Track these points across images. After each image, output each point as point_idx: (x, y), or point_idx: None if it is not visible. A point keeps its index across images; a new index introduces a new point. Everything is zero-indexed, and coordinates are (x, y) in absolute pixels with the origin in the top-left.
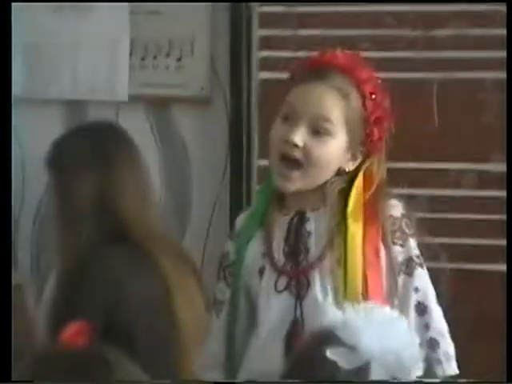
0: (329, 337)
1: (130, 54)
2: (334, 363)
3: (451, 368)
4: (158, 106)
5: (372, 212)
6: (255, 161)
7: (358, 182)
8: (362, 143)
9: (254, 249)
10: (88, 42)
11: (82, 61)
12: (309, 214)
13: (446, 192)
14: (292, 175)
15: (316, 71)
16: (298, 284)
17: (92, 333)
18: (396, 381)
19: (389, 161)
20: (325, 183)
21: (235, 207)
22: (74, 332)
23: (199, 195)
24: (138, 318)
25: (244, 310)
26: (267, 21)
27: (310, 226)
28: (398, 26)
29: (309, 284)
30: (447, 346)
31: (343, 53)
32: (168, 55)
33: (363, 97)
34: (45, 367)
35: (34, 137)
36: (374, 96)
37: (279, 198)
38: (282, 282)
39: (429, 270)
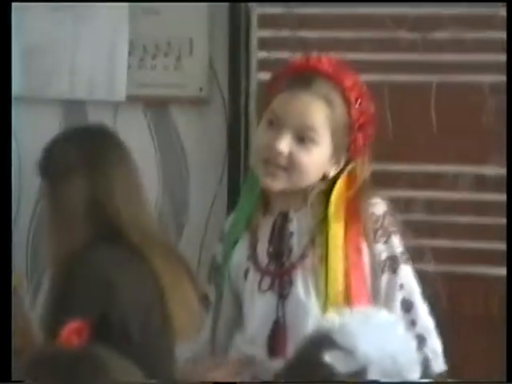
0: (326, 340)
1: (129, 54)
2: (331, 367)
3: (438, 365)
4: (157, 107)
5: (354, 211)
6: None
7: (340, 183)
8: (346, 149)
9: (240, 251)
10: (87, 42)
11: (81, 61)
12: (292, 215)
13: (443, 195)
14: (277, 173)
15: (300, 78)
16: (280, 284)
17: (90, 332)
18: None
19: (386, 163)
20: (308, 187)
21: (233, 208)
22: (71, 331)
23: (197, 195)
24: (132, 318)
25: (230, 311)
26: (266, 22)
27: (293, 225)
28: (396, 28)
29: (291, 283)
30: (434, 343)
31: (327, 58)
32: (166, 55)
33: (348, 104)
34: (38, 368)
35: (32, 136)
36: (358, 102)
37: (264, 201)
38: (266, 282)
39: (425, 272)
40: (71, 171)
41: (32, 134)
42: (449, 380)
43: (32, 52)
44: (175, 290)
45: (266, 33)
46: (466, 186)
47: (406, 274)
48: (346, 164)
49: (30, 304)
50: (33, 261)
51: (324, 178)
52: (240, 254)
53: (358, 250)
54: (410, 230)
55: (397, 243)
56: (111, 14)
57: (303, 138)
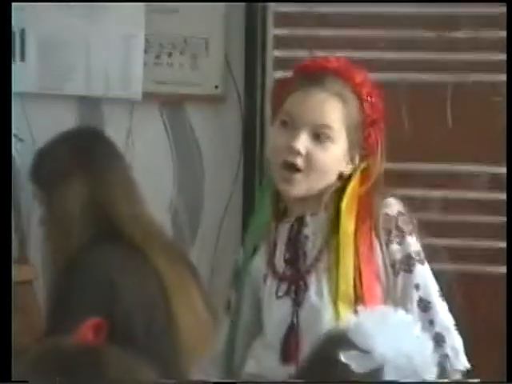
0: (342, 340)
1: (145, 52)
2: (347, 366)
3: (460, 362)
4: (172, 104)
5: (366, 208)
6: None
7: (354, 182)
8: (360, 146)
9: (259, 257)
10: (103, 39)
11: (97, 58)
12: (308, 219)
13: (458, 194)
14: (294, 178)
15: (311, 77)
16: (296, 290)
17: (107, 330)
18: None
19: (401, 162)
20: (324, 189)
21: (248, 206)
22: (88, 328)
23: (212, 194)
24: (136, 318)
25: (249, 316)
26: (282, 20)
27: (308, 229)
28: (412, 27)
29: (306, 289)
30: (454, 341)
31: (335, 57)
32: (183, 53)
33: (360, 99)
34: (37, 365)
35: (48, 133)
36: (370, 98)
37: (281, 205)
38: (283, 288)
39: (439, 271)
40: (67, 174)
41: (48, 130)
42: (449, 380)
43: (48, 49)
44: (179, 289)
45: (282, 31)
46: (481, 186)
47: (423, 273)
48: (360, 163)
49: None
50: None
51: (340, 177)
52: (259, 259)
53: (370, 246)
54: (425, 229)
55: (412, 243)
56: (127, 12)
57: (319, 136)
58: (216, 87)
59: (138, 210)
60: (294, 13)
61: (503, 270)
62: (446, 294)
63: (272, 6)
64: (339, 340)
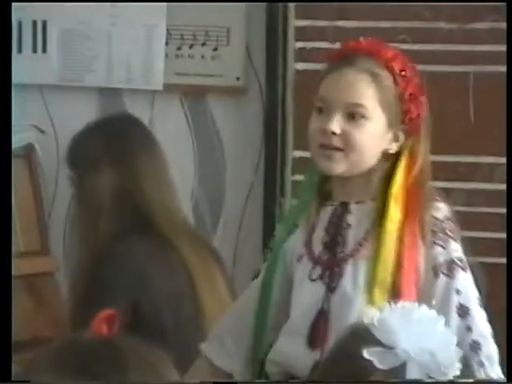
0: (365, 336)
1: (166, 43)
2: (370, 362)
3: (494, 372)
4: (194, 96)
5: (414, 200)
6: (290, 151)
7: (403, 164)
8: (402, 121)
9: (297, 236)
10: (124, 31)
11: (118, 49)
12: (352, 206)
13: (479, 185)
14: (334, 156)
15: (342, 59)
16: (330, 275)
17: (121, 322)
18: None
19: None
20: (370, 171)
21: (269, 198)
22: (102, 320)
23: (233, 185)
24: (164, 308)
25: (278, 294)
26: (304, 11)
27: (352, 218)
28: (434, 18)
29: (341, 276)
30: (490, 349)
31: (365, 39)
32: (204, 45)
33: (393, 74)
34: (59, 359)
35: (69, 125)
36: (403, 73)
37: (325, 188)
38: (317, 271)
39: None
40: (98, 161)
41: (69, 122)
42: (448, 380)
43: (69, 40)
44: (205, 278)
45: (304, 22)
46: (502, 178)
47: (464, 279)
48: (406, 141)
49: (67, 289)
50: (70, 245)
51: (385, 156)
52: (297, 239)
53: (415, 240)
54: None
55: (456, 249)
56: (149, 3)
57: (353, 115)
58: (237, 79)
59: (166, 199)
60: (315, 4)
61: None
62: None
63: None
64: (363, 335)
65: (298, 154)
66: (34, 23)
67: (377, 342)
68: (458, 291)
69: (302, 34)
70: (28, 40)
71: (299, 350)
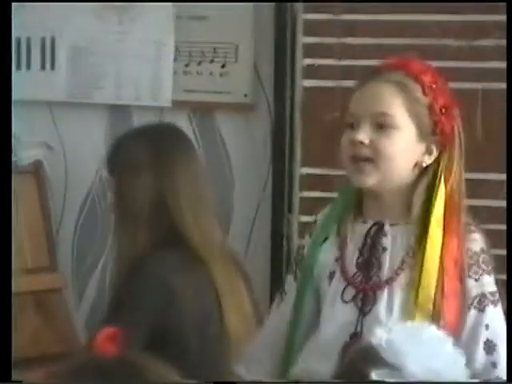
0: (373, 357)
1: (175, 60)
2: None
3: None
4: (202, 112)
5: (452, 223)
6: (298, 168)
7: (441, 185)
8: (433, 133)
9: (328, 251)
10: (132, 48)
11: (127, 66)
12: (387, 228)
13: (487, 202)
14: (366, 168)
15: (371, 74)
16: (364, 298)
17: (124, 340)
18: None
19: None
20: (403, 187)
21: (277, 214)
22: (107, 339)
23: (241, 202)
24: (190, 326)
25: (309, 307)
26: (311, 28)
27: (387, 241)
28: (442, 35)
29: (375, 301)
30: None
31: (396, 59)
32: (212, 61)
33: (422, 86)
34: (77, 376)
35: (78, 141)
36: (433, 85)
37: (358, 204)
38: (349, 292)
39: None
40: (139, 168)
41: (77, 139)
42: (448, 380)
43: (78, 57)
44: (232, 297)
45: (312, 39)
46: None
47: (494, 314)
48: (440, 156)
49: (75, 305)
50: (78, 262)
51: (419, 172)
52: (327, 253)
53: (456, 265)
54: None
55: (489, 283)
56: (157, 20)
57: (382, 125)
58: (245, 95)
59: (201, 214)
60: (324, 21)
61: None
62: None
63: (301, 14)
64: (371, 356)
65: (306, 170)
66: (43, 40)
67: (384, 363)
68: (487, 326)
69: (309, 50)
70: (37, 57)
71: (328, 370)
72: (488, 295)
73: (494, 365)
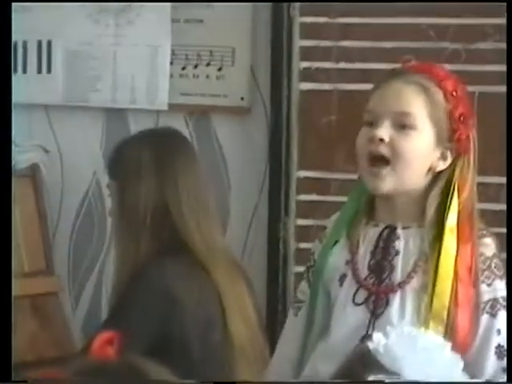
0: (371, 361)
1: (171, 63)
2: None
3: None
4: (198, 116)
5: (466, 230)
6: (294, 172)
7: (456, 190)
8: (450, 140)
9: (339, 254)
10: (129, 51)
11: (123, 69)
12: (399, 231)
13: (485, 206)
14: (382, 173)
15: (392, 73)
16: (376, 301)
17: (121, 344)
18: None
19: None
20: (416, 191)
21: (273, 218)
22: (104, 342)
23: (237, 206)
24: (193, 334)
25: (321, 312)
26: (308, 31)
27: (400, 244)
28: (438, 38)
29: (387, 304)
30: None
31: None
32: (208, 65)
33: (444, 92)
34: (80, 380)
35: (74, 145)
36: (454, 92)
37: (370, 207)
38: (361, 295)
39: None
40: (141, 174)
41: (74, 142)
42: (448, 380)
43: (74, 60)
44: (236, 305)
45: (309, 42)
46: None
47: (505, 319)
48: (454, 163)
49: (72, 309)
50: (74, 265)
51: (432, 177)
52: (338, 256)
53: (469, 270)
54: None
55: (501, 288)
56: (153, 23)
57: (403, 125)
58: (242, 98)
59: (203, 220)
60: (320, 24)
61: None
62: None
63: (298, 17)
64: (368, 360)
65: (303, 173)
66: (39, 43)
67: (382, 368)
68: (499, 331)
69: (306, 53)
70: (33, 60)
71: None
72: (500, 300)
73: (504, 370)
